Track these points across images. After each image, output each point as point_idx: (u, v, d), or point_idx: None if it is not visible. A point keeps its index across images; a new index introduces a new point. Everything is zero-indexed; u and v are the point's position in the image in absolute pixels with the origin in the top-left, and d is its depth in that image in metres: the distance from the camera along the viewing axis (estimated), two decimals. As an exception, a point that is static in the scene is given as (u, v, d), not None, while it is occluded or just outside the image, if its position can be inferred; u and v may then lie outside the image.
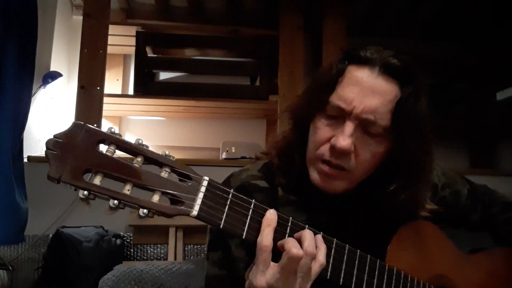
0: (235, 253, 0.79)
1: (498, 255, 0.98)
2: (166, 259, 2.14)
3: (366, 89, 0.71)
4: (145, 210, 0.54)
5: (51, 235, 1.93)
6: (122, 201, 0.53)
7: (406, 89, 0.72)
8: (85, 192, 0.51)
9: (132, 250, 2.16)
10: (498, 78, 3.11)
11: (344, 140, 0.70)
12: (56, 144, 0.51)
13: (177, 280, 1.33)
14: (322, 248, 0.64)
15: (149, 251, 2.16)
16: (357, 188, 0.79)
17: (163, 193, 0.56)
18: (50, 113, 2.55)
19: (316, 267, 0.62)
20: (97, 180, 0.52)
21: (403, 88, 0.72)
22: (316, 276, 0.63)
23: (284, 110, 0.83)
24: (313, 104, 0.76)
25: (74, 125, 0.52)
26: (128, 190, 0.54)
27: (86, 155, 0.52)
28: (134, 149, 0.55)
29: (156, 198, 0.55)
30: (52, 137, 0.51)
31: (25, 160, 2.09)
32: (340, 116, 0.72)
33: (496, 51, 3.09)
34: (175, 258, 2.11)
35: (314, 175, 0.76)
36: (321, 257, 0.63)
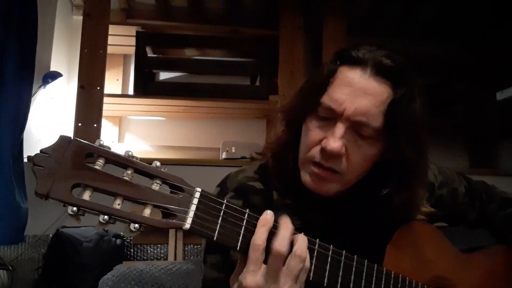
0: (233, 255, 0.78)
1: (496, 254, 0.98)
2: (166, 259, 2.14)
3: (357, 90, 0.69)
4: (136, 225, 0.53)
5: (51, 235, 1.93)
6: (112, 216, 0.52)
7: (399, 90, 0.70)
8: (74, 208, 0.50)
9: (132, 250, 2.16)
10: (498, 78, 3.11)
11: (334, 142, 0.68)
12: (43, 159, 0.49)
13: (177, 280, 1.33)
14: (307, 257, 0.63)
15: (149, 251, 2.16)
16: (352, 191, 0.78)
17: (155, 206, 0.55)
18: (50, 113, 2.55)
19: (302, 273, 0.61)
20: (86, 195, 0.51)
21: (396, 89, 0.70)
22: (302, 281, 0.62)
23: (277, 111, 0.82)
24: (304, 105, 0.75)
25: (62, 139, 0.51)
26: (119, 205, 0.52)
27: (74, 170, 0.51)
28: (124, 162, 0.54)
29: (147, 211, 0.54)
30: (38, 152, 0.50)
31: (25, 160, 2.09)
32: (331, 118, 0.71)
33: (496, 51, 3.09)
34: (175, 258, 2.11)
35: (305, 178, 0.75)
36: (306, 262, 0.61)
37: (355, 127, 0.70)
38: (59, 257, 1.82)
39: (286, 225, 0.61)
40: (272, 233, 0.61)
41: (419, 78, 0.74)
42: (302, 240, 0.61)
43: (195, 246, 2.20)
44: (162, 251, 2.17)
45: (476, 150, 3.20)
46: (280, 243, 0.59)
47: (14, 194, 1.84)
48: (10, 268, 1.98)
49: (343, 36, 2.68)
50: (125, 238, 2.15)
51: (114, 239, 2.02)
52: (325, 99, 0.71)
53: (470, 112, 3.24)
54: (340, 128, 0.69)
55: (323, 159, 0.71)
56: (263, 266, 0.60)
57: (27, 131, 2.05)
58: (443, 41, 3.25)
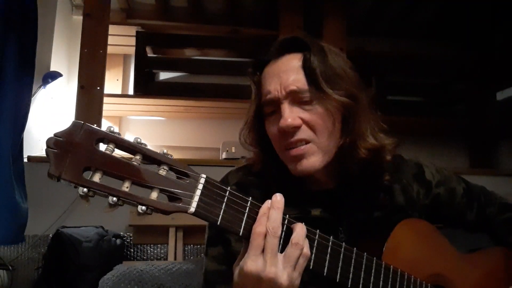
0: (235, 247, 0.80)
1: (495, 255, 0.98)
2: (166, 259, 2.13)
3: (277, 73, 0.80)
4: (143, 207, 0.55)
5: (51, 235, 1.93)
6: (121, 198, 0.54)
7: (305, 52, 0.80)
8: (85, 189, 0.52)
9: (132, 250, 2.16)
10: (498, 78, 3.11)
11: (285, 119, 0.76)
12: (57, 142, 0.52)
13: (177, 280, 1.33)
14: (306, 243, 0.65)
15: (149, 251, 2.16)
16: (348, 182, 0.83)
17: (161, 190, 0.57)
18: (50, 113, 2.55)
19: (301, 261, 0.63)
20: (96, 178, 0.53)
21: (303, 53, 0.80)
22: (301, 268, 0.63)
23: (239, 134, 0.89)
24: (254, 115, 0.85)
25: (74, 124, 0.53)
26: (127, 188, 0.55)
27: (85, 154, 0.53)
28: (133, 148, 0.56)
29: (154, 195, 0.56)
30: (52, 135, 0.52)
31: (25, 160, 2.09)
32: (276, 108, 0.79)
33: (496, 51, 3.09)
34: (175, 258, 2.11)
35: (291, 166, 0.80)
36: (306, 249, 0.64)
37: (295, 99, 0.78)
38: (59, 257, 1.82)
39: (276, 205, 0.63)
40: None
41: (319, 40, 0.85)
42: (300, 229, 0.64)
43: (195, 246, 2.20)
44: (162, 251, 2.17)
45: (476, 150, 3.20)
46: (272, 223, 0.62)
47: (14, 194, 1.84)
48: (10, 268, 1.98)
49: (343, 36, 2.68)
50: (125, 238, 2.15)
51: (114, 239, 2.02)
52: (263, 98, 0.82)
53: (470, 112, 3.24)
54: (284, 107, 0.77)
55: (289, 139, 0.77)
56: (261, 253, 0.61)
57: (27, 131, 2.05)
58: (443, 41, 3.25)
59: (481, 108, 3.15)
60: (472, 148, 3.23)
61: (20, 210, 1.87)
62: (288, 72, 0.78)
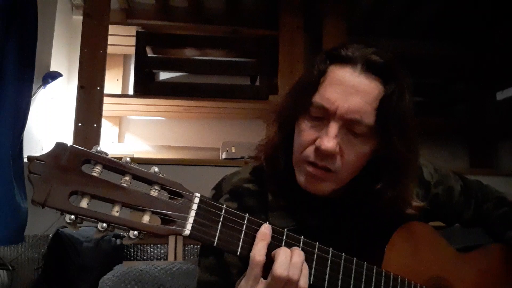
0: (227, 258, 0.78)
1: (492, 253, 0.98)
2: (166, 259, 2.13)
3: (349, 88, 0.69)
4: (135, 232, 0.52)
5: (51, 235, 1.93)
6: (111, 224, 0.51)
7: (389, 86, 0.71)
8: (72, 217, 0.49)
9: (132, 250, 2.16)
10: (498, 78, 3.11)
11: (328, 141, 0.68)
12: (39, 166, 0.49)
13: (177, 280, 1.33)
14: (305, 272, 0.62)
15: (149, 251, 2.16)
16: (345, 189, 0.78)
17: (154, 213, 0.54)
18: (50, 113, 2.55)
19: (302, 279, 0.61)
20: (84, 203, 0.50)
21: (386, 85, 0.71)
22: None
23: (269, 111, 0.81)
24: (296, 106, 0.74)
25: (57, 145, 0.50)
26: (117, 212, 0.52)
27: (71, 177, 0.50)
28: (122, 168, 0.53)
29: (146, 218, 0.53)
30: (34, 160, 0.49)
31: (25, 160, 2.09)
32: (324, 117, 0.71)
33: (496, 51, 3.09)
34: (175, 258, 2.11)
35: (300, 177, 0.75)
36: (302, 282, 0.61)
37: (348, 125, 0.70)
38: (59, 257, 1.82)
39: (284, 251, 0.61)
40: (272, 245, 0.61)
41: (408, 74, 0.75)
42: (298, 258, 0.61)
43: (195, 246, 2.20)
44: (162, 251, 2.17)
45: (476, 150, 3.20)
46: (283, 265, 0.59)
47: (14, 194, 1.84)
48: (10, 268, 1.98)
49: (343, 36, 2.68)
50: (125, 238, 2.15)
51: (114, 239, 2.02)
52: (317, 99, 0.71)
53: (470, 112, 3.24)
54: (333, 127, 0.69)
55: (317, 159, 0.71)
56: (261, 281, 0.60)
57: (27, 131, 2.05)
58: (443, 41, 3.25)
59: (481, 108, 3.15)
60: (472, 148, 3.23)
61: (20, 210, 1.87)
62: (360, 96, 0.69)
